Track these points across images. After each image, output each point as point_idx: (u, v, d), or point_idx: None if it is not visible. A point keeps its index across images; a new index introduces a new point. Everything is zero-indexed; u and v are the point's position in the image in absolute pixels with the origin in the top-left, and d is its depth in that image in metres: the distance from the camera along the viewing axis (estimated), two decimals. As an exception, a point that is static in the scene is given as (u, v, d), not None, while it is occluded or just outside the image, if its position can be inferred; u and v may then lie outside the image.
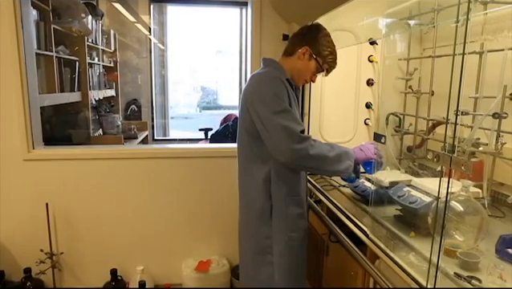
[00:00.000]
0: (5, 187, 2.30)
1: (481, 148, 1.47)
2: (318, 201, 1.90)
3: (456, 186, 1.18)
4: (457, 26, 0.93)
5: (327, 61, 1.56)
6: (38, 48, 2.58)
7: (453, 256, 1.09)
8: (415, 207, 1.28)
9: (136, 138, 3.94)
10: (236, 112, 4.02)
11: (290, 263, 1.58)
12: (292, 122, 1.39)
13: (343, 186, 1.88)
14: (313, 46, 1.53)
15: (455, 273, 1.01)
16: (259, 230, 1.57)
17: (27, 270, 2.26)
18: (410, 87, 1.99)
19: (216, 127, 3.82)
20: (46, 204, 2.30)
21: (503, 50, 1.38)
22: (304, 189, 1.66)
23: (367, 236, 1.37)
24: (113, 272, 2.34)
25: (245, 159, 1.62)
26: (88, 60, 3.39)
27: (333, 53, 1.56)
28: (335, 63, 1.59)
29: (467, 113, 1.49)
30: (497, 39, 1.39)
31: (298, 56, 1.55)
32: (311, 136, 1.43)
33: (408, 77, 1.99)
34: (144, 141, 4.18)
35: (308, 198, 2.01)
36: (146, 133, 4.30)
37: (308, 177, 2.05)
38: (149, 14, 4.33)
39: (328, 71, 1.60)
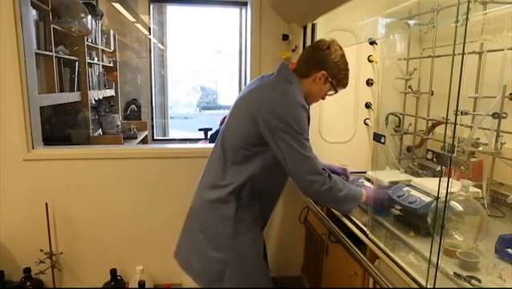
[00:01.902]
0: (4, 187, 2.29)
1: (480, 148, 1.47)
2: (318, 201, 1.90)
3: (455, 186, 1.18)
4: (456, 26, 0.93)
5: (341, 83, 1.56)
6: (38, 48, 2.58)
7: (452, 256, 1.09)
8: (414, 207, 1.28)
9: (135, 138, 3.94)
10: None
11: (241, 269, 1.54)
12: (313, 157, 1.43)
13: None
14: (330, 71, 1.51)
15: (455, 273, 1.01)
16: (218, 227, 1.55)
17: (27, 270, 2.25)
18: (410, 87, 1.98)
19: (215, 127, 3.81)
20: (46, 204, 2.30)
21: (503, 50, 1.39)
22: (276, 196, 1.66)
23: (366, 236, 1.37)
24: (113, 272, 2.33)
25: (224, 157, 1.56)
26: (88, 60, 3.39)
27: (347, 74, 1.56)
28: (347, 83, 1.59)
29: (467, 113, 1.50)
30: (497, 39, 1.39)
31: (313, 79, 1.52)
32: (329, 174, 1.45)
33: (407, 77, 1.99)
34: (144, 141, 4.18)
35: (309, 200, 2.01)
36: (146, 133, 4.30)
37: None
38: (149, 14, 4.33)
39: (338, 90, 1.60)
